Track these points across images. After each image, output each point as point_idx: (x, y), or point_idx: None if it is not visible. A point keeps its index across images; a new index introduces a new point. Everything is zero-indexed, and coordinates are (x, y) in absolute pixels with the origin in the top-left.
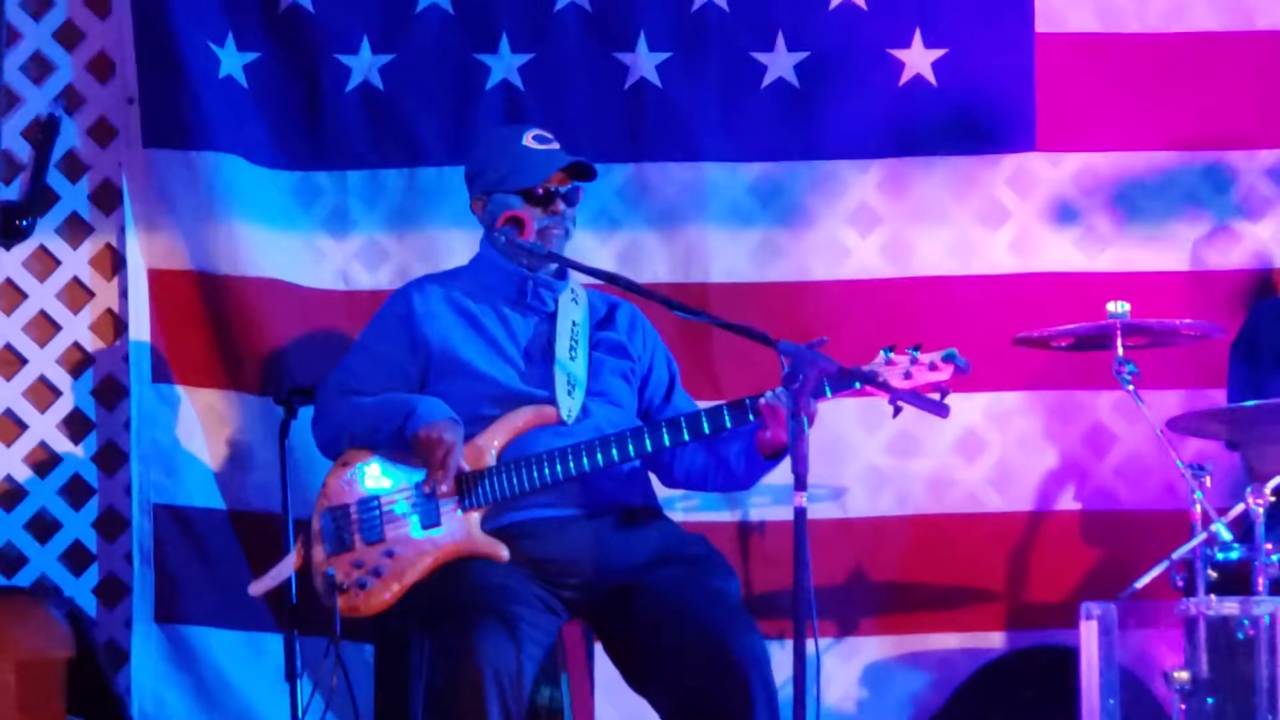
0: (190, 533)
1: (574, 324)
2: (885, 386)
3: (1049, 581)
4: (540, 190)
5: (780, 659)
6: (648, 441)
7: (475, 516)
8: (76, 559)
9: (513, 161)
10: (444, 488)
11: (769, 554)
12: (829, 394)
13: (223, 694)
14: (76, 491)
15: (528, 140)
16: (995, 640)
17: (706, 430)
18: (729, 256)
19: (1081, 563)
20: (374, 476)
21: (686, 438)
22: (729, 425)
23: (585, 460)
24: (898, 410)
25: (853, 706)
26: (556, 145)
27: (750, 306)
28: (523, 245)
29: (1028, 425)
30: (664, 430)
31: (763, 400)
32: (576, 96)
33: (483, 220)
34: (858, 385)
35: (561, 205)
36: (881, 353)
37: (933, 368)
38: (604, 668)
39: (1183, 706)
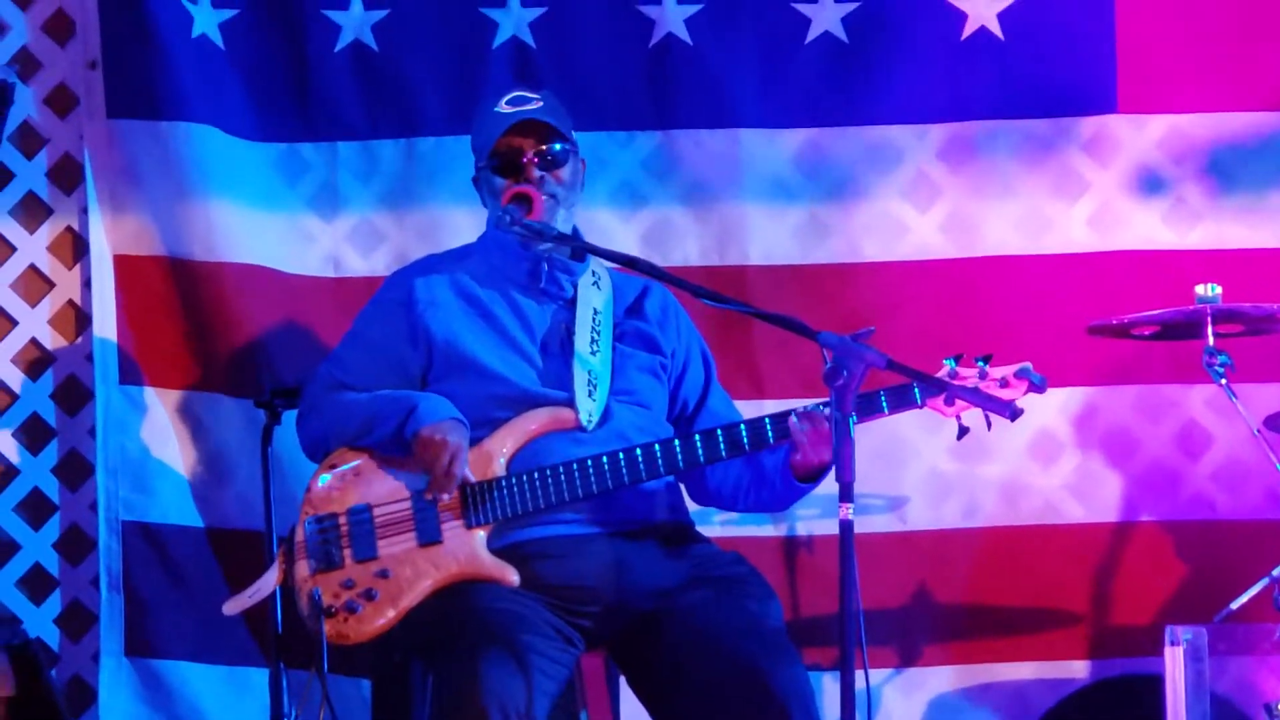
0: (164, 554)
1: (595, 312)
2: (945, 387)
3: (1137, 602)
4: (499, 159)
5: (832, 692)
6: (679, 456)
7: (481, 534)
8: (36, 584)
9: (484, 131)
10: (446, 497)
11: (818, 573)
12: (885, 410)
13: None
14: (35, 508)
15: (502, 105)
16: (1077, 669)
17: (746, 445)
18: (769, 236)
19: (1174, 581)
20: (366, 481)
21: (724, 453)
22: (771, 440)
23: (608, 477)
24: (963, 432)
25: None
26: (535, 105)
27: (794, 291)
28: (530, 226)
29: (1111, 425)
30: (698, 443)
31: (791, 420)
32: (595, 56)
33: (482, 198)
34: (918, 401)
35: (535, 171)
36: (946, 363)
37: (1004, 384)
38: (629, 704)
39: None
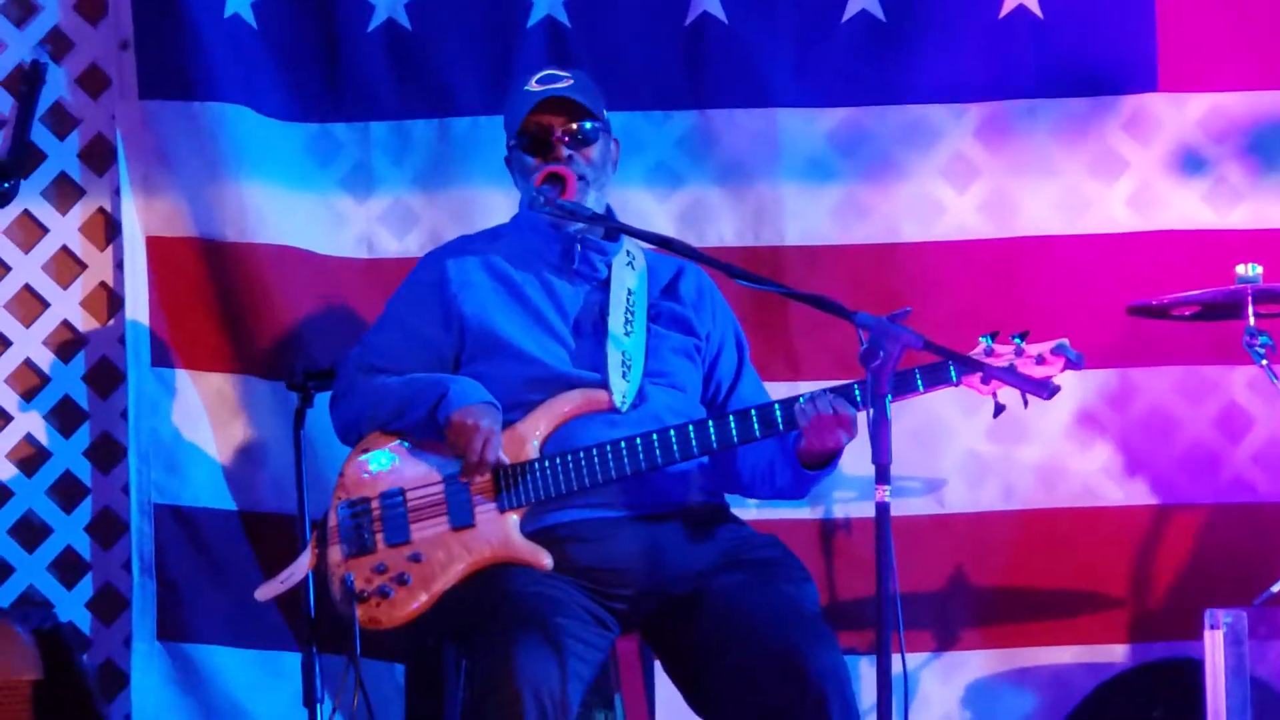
0: (196, 537)
1: (629, 293)
2: (980, 367)
3: (1178, 585)
4: (528, 137)
5: (869, 677)
6: (712, 436)
7: (514, 517)
8: (68, 568)
9: (513, 109)
10: (480, 478)
11: (856, 556)
12: (920, 387)
13: None
14: (67, 491)
15: (531, 83)
16: (1117, 653)
17: (780, 424)
18: (806, 216)
19: (1214, 564)
20: (399, 466)
21: (758, 432)
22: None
23: (641, 459)
24: (999, 410)
25: None
26: (565, 84)
27: (831, 272)
28: (564, 205)
29: (1151, 406)
30: (732, 423)
31: (796, 405)
32: (630, 35)
33: (514, 179)
34: (954, 379)
35: (564, 150)
36: (982, 340)
37: (1040, 361)
38: (664, 688)
39: None
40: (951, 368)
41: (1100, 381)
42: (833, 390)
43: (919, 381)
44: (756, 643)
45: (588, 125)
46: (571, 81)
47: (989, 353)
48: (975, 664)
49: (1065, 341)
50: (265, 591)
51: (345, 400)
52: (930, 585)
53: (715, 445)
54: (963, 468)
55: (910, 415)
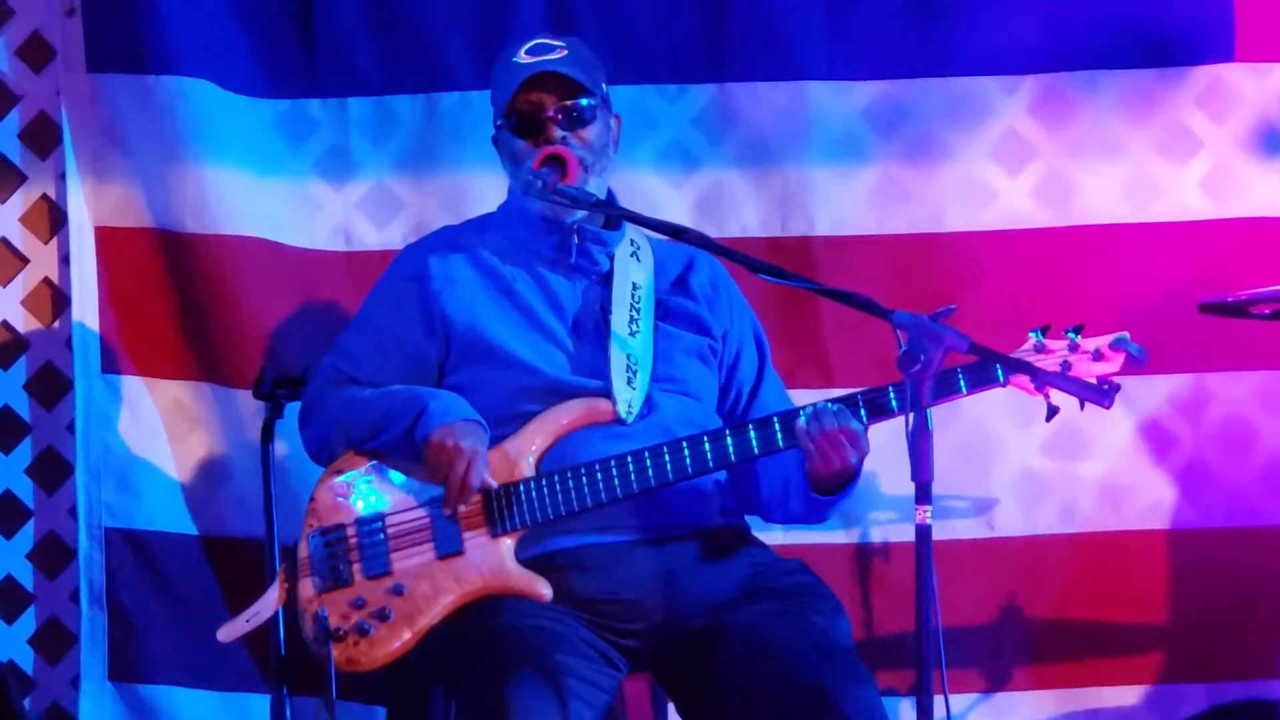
0: (152, 565)
1: (635, 288)
2: (1030, 371)
3: (1256, 618)
4: (517, 116)
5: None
6: (730, 448)
7: (508, 543)
8: (8, 600)
9: (501, 84)
10: (464, 507)
11: (895, 585)
12: (964, 389)
13: None
14: (7, 513)
15: (521, 54)
16: (1190, 694)
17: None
18: (839, 202)
19: None
20: (377, 489)
21: (781, 443)
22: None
23: (650, 474)
24: (1053, 413)
25: None
26: (558, 54)
27: (866, 265)
28: (565, 191)
29: (1226, 416)
30: (752, 433)
31: (798, 423)
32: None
33: (502, 162)
34: (1000, 379)
35: (557, 131)
36: (1032, 335)
37: (1098, 357)
38: None
39: None
40: (999, 366)
41: (1170, 388)
42: (810, 409)
43: (962, 382)
44: (783, 681)
45: (584, 103)
46: (565, 52)
47: (1040, 349)
48: (1028, 706)
49: (1126, 335)
50: (229, 632)
51: (315, 415)
52: (978, 618)
53: (733, 459)
54: (1016, 486)
55: (956, 427)
